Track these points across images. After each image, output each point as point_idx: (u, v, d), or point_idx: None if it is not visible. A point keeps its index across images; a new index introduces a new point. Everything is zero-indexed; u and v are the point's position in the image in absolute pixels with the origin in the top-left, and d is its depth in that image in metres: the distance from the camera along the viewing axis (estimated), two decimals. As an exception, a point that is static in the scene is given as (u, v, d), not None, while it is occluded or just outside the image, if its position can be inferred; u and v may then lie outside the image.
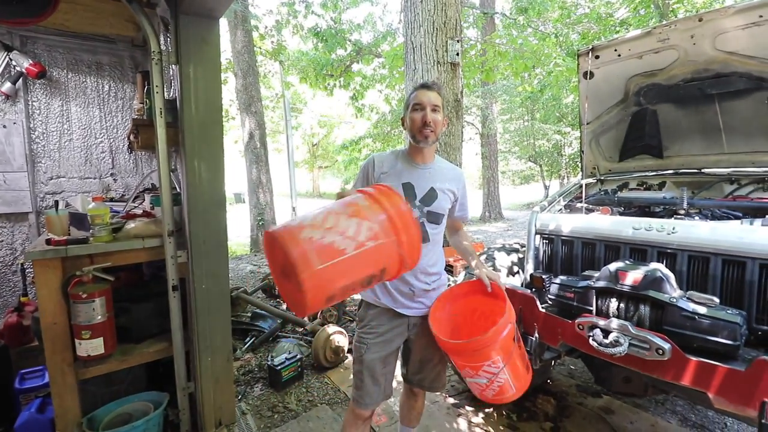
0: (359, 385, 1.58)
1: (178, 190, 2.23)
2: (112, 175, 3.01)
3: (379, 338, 1.55)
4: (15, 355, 2.29)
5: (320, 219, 1.13)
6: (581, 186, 2.67)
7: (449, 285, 1.70)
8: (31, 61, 2.59)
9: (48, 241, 1.75)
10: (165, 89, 1.90)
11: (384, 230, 1.17)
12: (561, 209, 2.48)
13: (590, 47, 2.49)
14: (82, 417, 1.82)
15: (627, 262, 1.71)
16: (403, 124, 1.65)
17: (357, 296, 5.01)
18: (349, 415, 1.64)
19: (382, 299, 1.57)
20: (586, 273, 1.87)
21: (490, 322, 1.47)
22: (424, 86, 1.58)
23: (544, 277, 2.04)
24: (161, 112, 1.87)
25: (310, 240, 1.06)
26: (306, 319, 3.65)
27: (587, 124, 2.73)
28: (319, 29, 8.24)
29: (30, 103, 2.72)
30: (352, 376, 1.65)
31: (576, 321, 1.63)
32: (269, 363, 2.74)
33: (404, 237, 1.19)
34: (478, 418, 2.33)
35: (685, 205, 2.09)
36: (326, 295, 1.11)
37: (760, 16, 1.86)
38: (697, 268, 1.66)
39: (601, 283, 1.66)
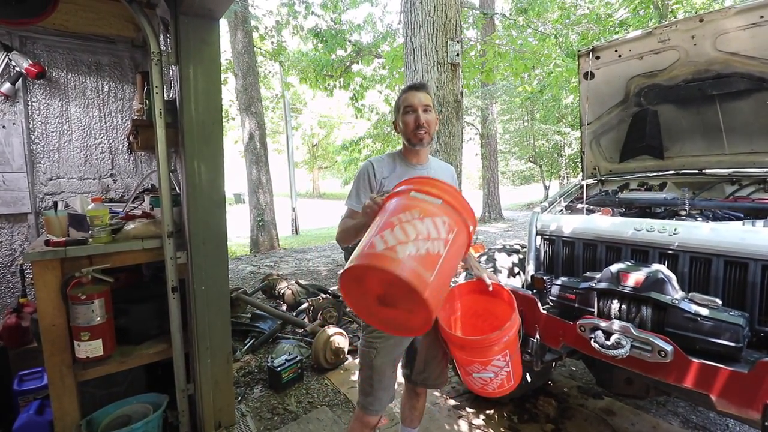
0: (368, 391, 1.56)
1: (178, 190, 2.22)
2: (111, 175, 3.00)
3: (389, 341, 1.53)
4: (14, 357, 2.28)
5: (402, 233, 1.07)
6: (582, 187, 2.66)
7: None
8: (30, 62, 2.59)
9: (47, 242, 1.75)
10: (165, 90, 1.90)
11: (450, 216, 1.16)
12: (562, 210, 2.48)
13: (591, 48, 2.48)
14: (81, 419, 1.81)
15: (628, 263, 1.70)
16: (395, 128, 1.63)
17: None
18: (356, 423, 1.60)
19: None
20: (588, 274, 1.86)
21: (492, 319, 1.50)
22: (413, 87, 1.56)
23: (545, 278, 2.04)
24: (161, 112, 1.86)
25: (410, 257, 1.02)
26: (306, 320, 3.64)
27: (588, 124, 2.73)
28: (319, 30, 8.24)
29: (29, 103, 2.71)
30: (358, 382, 1.62)
31: (578, 323, 1.62)
32: (269, 364, 2.73)
33: (465, 212, 1.21)
34: (479, 420, 2.32)
35: (686, 205, 2.09)
36: (440, 305, 1.08)
37: (761, 17, 1.86)
38: (699, 269, 1.66)
39: (602, 285, 1.65)
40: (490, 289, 1.53)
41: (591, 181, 2.83)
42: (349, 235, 1.50)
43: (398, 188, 1.27)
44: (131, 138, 2.57)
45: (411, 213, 1.13)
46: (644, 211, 2.31)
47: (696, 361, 1.34)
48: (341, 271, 1.11)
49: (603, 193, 2.66)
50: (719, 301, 1.44)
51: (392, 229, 1.08)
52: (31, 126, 2.72)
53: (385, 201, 1.26)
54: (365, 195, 1.53)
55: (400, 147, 1.65)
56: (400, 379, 1.79)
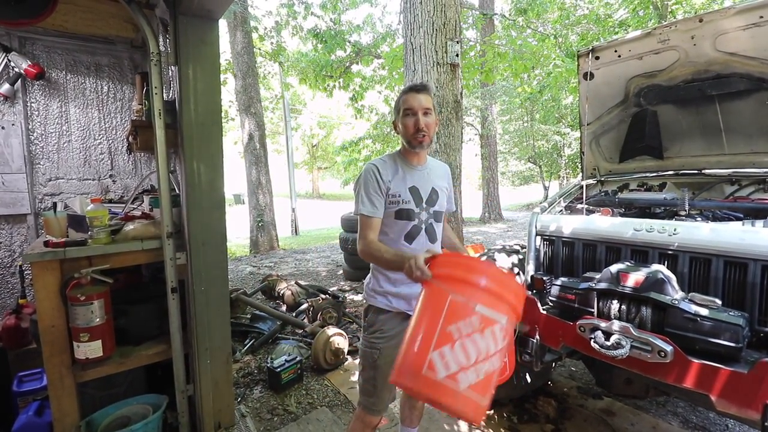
0: (371, 392, 1.55)
1: (177, 191, 2.22)
2: (111, 176, 3.00)
3: (392, 341, 1.52)
4: (13, 358, 2.28)
5: (463, 354, 1.02)
6: (582, 187, 2.66)
7: None
8: (29, 63, 2.59)
9: (46, 243, 1.74)
10: (164, 90, 1.89)
11: (507, 315, 1.11)
12: (561, 210, 2.47)
13: (590, 48, 2.48)
14: (80, 420, 1.80)
15: (628, 263, 1.70)
16: (395, 129, 1.60)
17: (357, 297, 4.97)
18: (357, 423, 1.59)
19: (395, 304, 1.54)
20: (587, 275, 1.86)
21: None
22: (413, 89, 1.52)
23: (545, 278, 2.04)
24: (160, 113, 1.86)
25: (471, 388, 1.01)
26: (305, 320, 3.64)
27: (587, 125, 2.73)
28: (318, 30, 8.24)
29: (28, 104, 2.71)
30: (359, 383, 1.62)
31: (577, 323, 1.62)
32: (269, 365, 2.73)
33: (519, 306, 1.16)
34: (479, 421, 2.32)
35: (686, 206, 2.09)
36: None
37: (761, 17, 1.86)
38: (699, 269, 1.65)
39: (602, 285, 1.65)
40: None
41: (591, 181, 2.83)
42: (379, 263, 1.47)
43: (445, 269, 1.17)
44: (130, 139, 2.57)
45: (471, 322, 1.05)
46: (644, 211, 2.31)
47: (696, 361, 1.34)
48: (396, 373, 1.08)
49: (603, 194, 2.66)
50: (719, 302, 1.44)
51: (452, 347, 1.03)
52: (30, 127, 2.72)
53: (434, 276, 1.17)
54: (378, 200, 1.49)
55: (399, 147, 1.65)
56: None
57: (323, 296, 3.85)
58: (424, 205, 1.56)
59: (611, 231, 1.94)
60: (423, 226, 1.56)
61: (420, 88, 1.52)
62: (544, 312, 1.82)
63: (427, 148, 1.57)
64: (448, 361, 1.02)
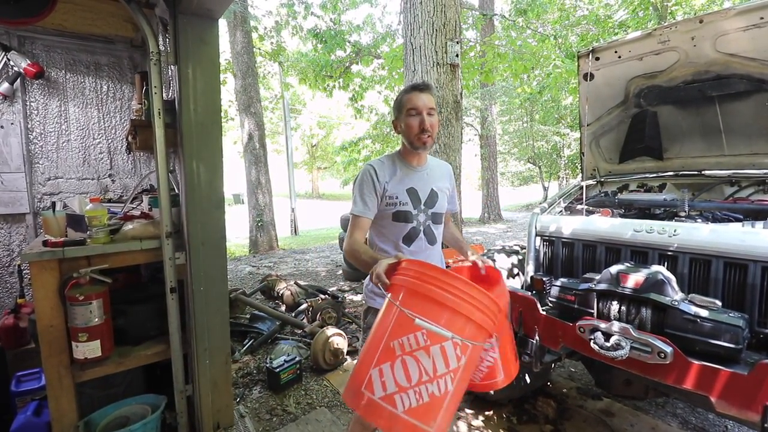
0: None
1: (177, 191, 2.21)
2: (110, 176, 3.00)
3: None
4: (11, 358, 2.28)
5: (403, 374, 0.94)
6: (581, 188, 2.66)
7: None
8: (29, 62, 2.58)
9: (45, 243, 1.74)
10: (163, 90, 1.89)
11: (465, 329, 1.00)
12: (561, 211, 2.47)
13: (590, 49, 2.48)
14: (78, 420, 1.80)
15: (628, 264, 1.70)
16: (395, 128, 1.58)
17: (357, 298, 4.96)
18: (356, 425, 1.57)
19: None
20: (587, 275, 1.86)
21: None
22: (416, 88, 1.50)
23: (544, 279, 2.03)
24: (160, 112, 1.86)
25: (411, 410, 0.93)
26: (304, 320, 3.64)
27: (587, 125, 2.73)
28: (318, 30, 8.25)
29: (28, 103, 2.70)
30: None
31: (577, 324, 1.62)
32: (268, 365, 2.72)
33: (488, 319, 1.05)
34: (478, 421, 2.31)
35: (685, 207, 2.09)
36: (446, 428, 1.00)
37: (761, 18, 1.86)
38: (699, 270, 1.65)
39: (602, 286, 1.65)
40: (483, 272, 1.49)
41: (590, 182, 2.83)
42: (358, 264, 1.46)
43: (402, 277, 1.09)
44: (130, 138, 2.57)
45: (416, 338, 0.96)
46: (644, 212, 2.31)
47: (696, 362, 1.34)
48: (345, 388, 1.04)
49: (602, 194, 2.66)
50: (719, 303, 1.44)
51: (392, 365, 0.96)
52: (29, 126, 2.71)
53: (391, 285, 1.11)
54: (371, 200, 1.50)
55: (399, 147, 1.63)
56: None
57: (322, 296, 3.85)
58: (423, 207, 1.54)
59: (611, 232, 1.94)
60: (421, 228, 1.55)
61: (423, 88, 1.50)
62: (544, 313, 1.82)
63: (429, 149, 1.57)
64: (386, 380, 0.95)
